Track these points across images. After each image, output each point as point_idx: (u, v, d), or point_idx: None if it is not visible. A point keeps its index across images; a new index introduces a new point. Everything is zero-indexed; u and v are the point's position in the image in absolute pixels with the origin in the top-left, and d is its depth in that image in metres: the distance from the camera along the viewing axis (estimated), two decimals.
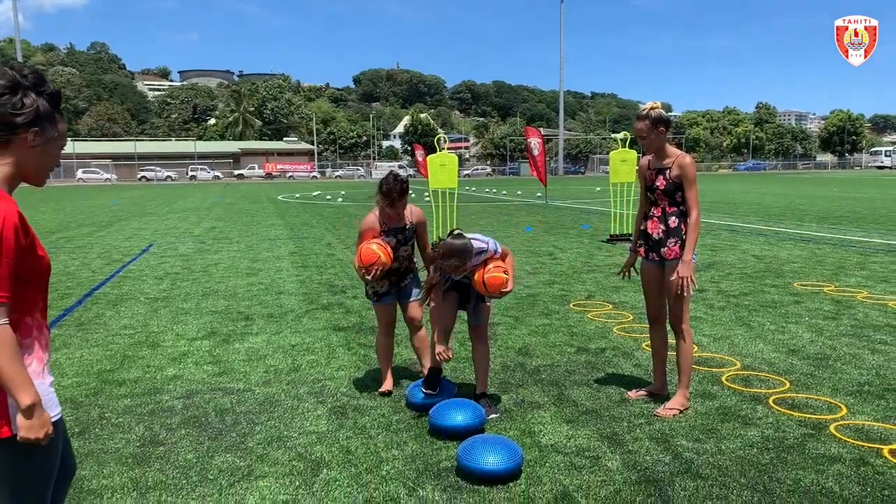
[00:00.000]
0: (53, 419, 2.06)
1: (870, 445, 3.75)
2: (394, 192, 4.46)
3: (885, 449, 3.69)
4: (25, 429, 1.93)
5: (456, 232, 4.21)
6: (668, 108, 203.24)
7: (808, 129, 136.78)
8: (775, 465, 3.53)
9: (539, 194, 30.36)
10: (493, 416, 4.20)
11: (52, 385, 2.10)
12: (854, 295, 7.74)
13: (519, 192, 35.36)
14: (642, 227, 4.40)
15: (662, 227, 4.24)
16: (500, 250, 4.25)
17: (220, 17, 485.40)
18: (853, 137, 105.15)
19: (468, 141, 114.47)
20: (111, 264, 11.00)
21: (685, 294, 4.16)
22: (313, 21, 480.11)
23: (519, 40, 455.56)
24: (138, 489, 3.36)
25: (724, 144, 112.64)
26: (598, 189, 36.28)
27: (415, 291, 4.77)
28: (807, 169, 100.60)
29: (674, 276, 4.15)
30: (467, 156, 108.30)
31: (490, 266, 4.16)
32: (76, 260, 11.52)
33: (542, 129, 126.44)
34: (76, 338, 6.29)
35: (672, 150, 4.32)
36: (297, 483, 3.41)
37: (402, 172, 4.23)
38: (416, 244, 4.76)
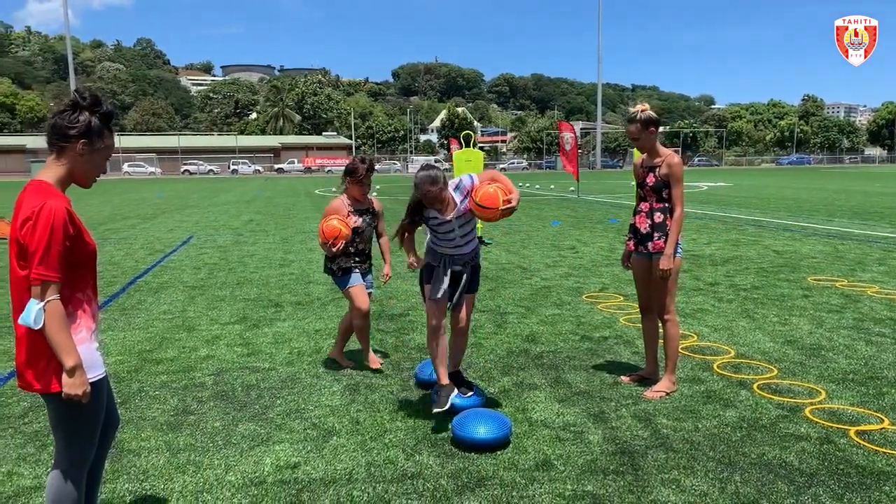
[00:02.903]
0: (98, 377, 2.52)
1: (839, 427, 4.02)
2: (360, 170, 4.98)
3: (852, 430, 3.96)
4: (68, 386, 2.38)
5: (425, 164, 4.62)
6: (710, 101, 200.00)
7: (857, 121, 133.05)
8: (744, 441, 3.84)
9: (572, 188, 30.49)
10: (460, 398, 4.26)
11: (98, 349, 2.55)
12: (865, 290, 7.88)
13: (552, 187, 35.49)
14: (632, 222, 4.71)
15: (649, 221, 4.55)
16: (476, 180, 4.19)
17: (262, 12, 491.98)
18: None
19: (505, 135, 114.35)
20: (153, 255, 11.65)
21: (668, 286, 4.48)
22: (353, 15, 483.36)
23: (558, 32, 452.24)
24: (170, 450, 3.83)
25: (767, 138, 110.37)
26: (633, 183, 36.18)
27: (369, 280, 5.23)
28: (854, 163, 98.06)
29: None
30: (504, 150, 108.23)
31: (478, 189, 4.11)
32: (121, 251, 12.20)
33: (580, 122, 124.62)
34: (120, 321, 6.85)
35: (663, 149, 4.62)
36: (309, 448, 3.84)
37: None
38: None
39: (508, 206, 3.99)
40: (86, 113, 2.46)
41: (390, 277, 5.29)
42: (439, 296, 4.26)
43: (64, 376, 2.38)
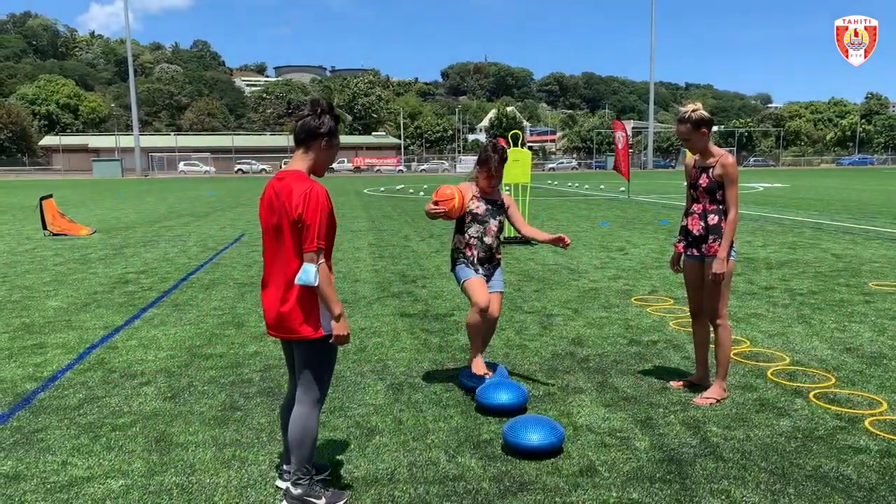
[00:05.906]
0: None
1: None
2: (492, 161, 4.57)
3: None
4: (337, 329, 3.01)
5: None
6: (767, 99, 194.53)
7: None
8: (799, 452, 3.69)
9: (622, 189, 30.03)
10: None
11: None
12: None
13: (602, 187, 35.03)
14: (683, 224, 4.59)
15: (702, 223, 4.42)
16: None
17: (314, 13, 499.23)
18: None
19: (555, 134, 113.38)
20: (206, 252, 11.91)
21: (720, 290, 4.34)
22: (403, 16, 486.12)
23: (610, 30, 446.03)
24: (217, 445, 3.89)
25: (828, 138, 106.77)
26: (685, 184, 35.42)
27: (498, 282, 4.78)
28: None
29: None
30: (553, 149, 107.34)
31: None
32: (175, 247, 12.52)
33: (632, 121, 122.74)
34: (172, 317, 7.01)
35: (716, 149, 4.48)
36: (352, 446, 3.85)
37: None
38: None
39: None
40: (326, 116, 3.04)
41: (569, 242, 4.58)
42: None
43: (332, 322, 3.00)
